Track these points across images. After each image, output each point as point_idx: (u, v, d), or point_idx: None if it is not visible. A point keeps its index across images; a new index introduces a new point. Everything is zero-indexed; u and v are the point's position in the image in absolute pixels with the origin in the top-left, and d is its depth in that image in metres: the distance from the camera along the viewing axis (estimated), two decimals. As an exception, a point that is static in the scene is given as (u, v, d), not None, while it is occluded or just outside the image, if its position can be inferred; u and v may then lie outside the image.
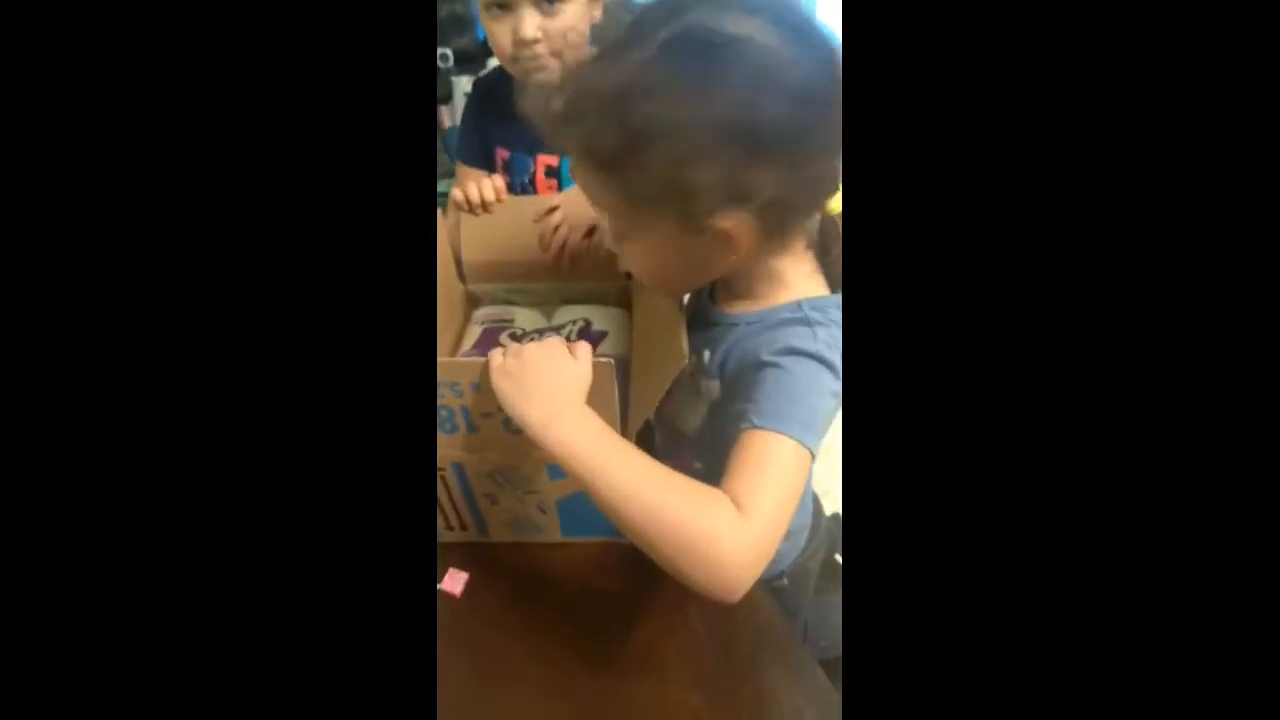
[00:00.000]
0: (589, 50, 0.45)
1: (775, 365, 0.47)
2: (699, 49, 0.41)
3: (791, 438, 0.44)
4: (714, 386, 0.56)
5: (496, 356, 0.49)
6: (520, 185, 0.88)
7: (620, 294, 0.79)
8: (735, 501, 0.42)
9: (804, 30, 0.43)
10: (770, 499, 0.43)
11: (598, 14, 0.73)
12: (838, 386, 0.47)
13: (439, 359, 0.51)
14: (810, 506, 0.70)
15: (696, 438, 0.59)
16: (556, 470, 0.56)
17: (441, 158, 2.15)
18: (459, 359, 0.66)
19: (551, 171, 0.86)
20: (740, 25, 0.41)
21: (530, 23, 0.71)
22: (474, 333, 0.77)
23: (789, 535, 0.64)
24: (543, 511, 0.61)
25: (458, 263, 0.79)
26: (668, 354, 0.53)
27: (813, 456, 0.45)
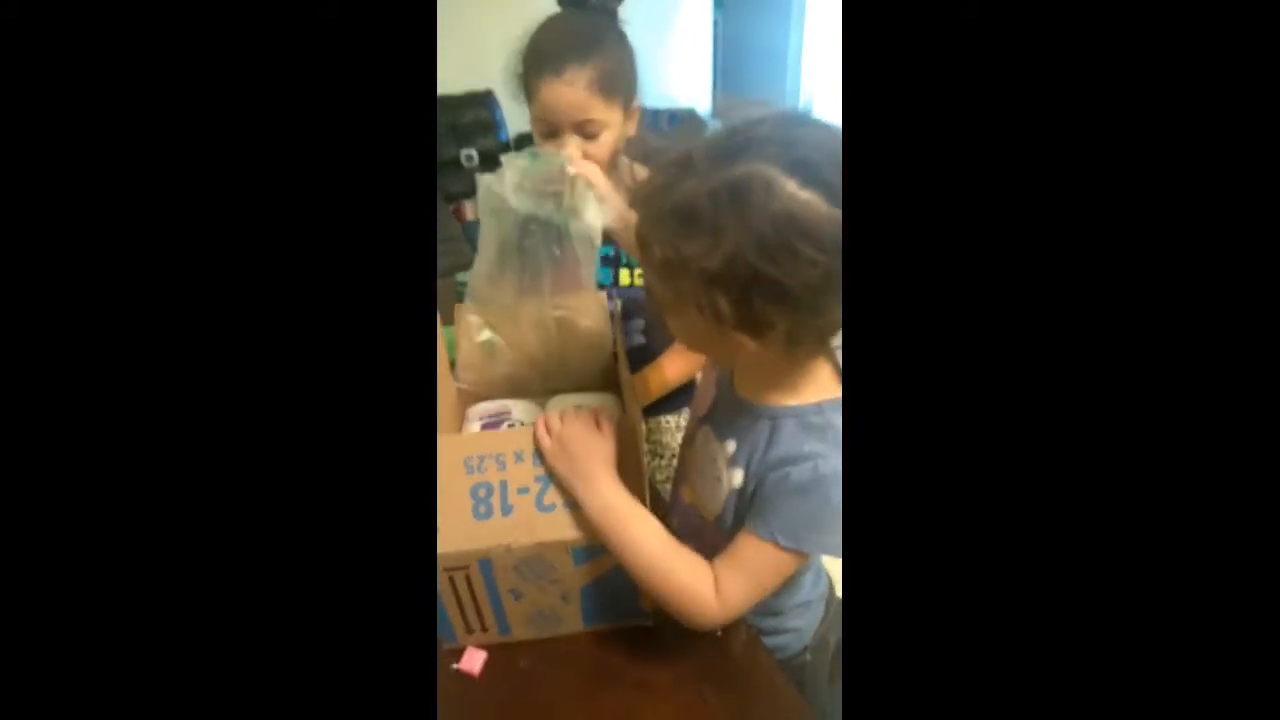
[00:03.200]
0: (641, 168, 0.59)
1: (783, 474, 0.54)
2: (754, 196, 0.45)
3: (776, 545, 0.54)
4: (737, 475, 0.59)
5: (541, 426, 0.61)
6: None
7: (605, 376, 0.84)
8: (716, 581, 0.56)
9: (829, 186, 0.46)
10: (741, 592, 0.56)
11: (631, 131, 0.87)
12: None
13: (478, 434, 0.57)
14: (825, 578, 0.74)
15: (718, 522, 0.62)
16: (581, 554, 0.60)
17: (464, 248, 2.31)
18: (504, 431, 0.69)
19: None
20: (796, 194, 0.45)
21: (573, 146, 0.83)
22: (474, 428, 0.80)
23: (808, 606, 0.70)
24: (566, 601, 0.63)
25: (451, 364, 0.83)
26: (637, 428, 0.62)
27: (802, 553, 0.55)
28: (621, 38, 0.88)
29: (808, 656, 0.71)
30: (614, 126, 0.86)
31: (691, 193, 0.46)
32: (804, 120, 0.50)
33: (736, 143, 0.47)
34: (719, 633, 0.65)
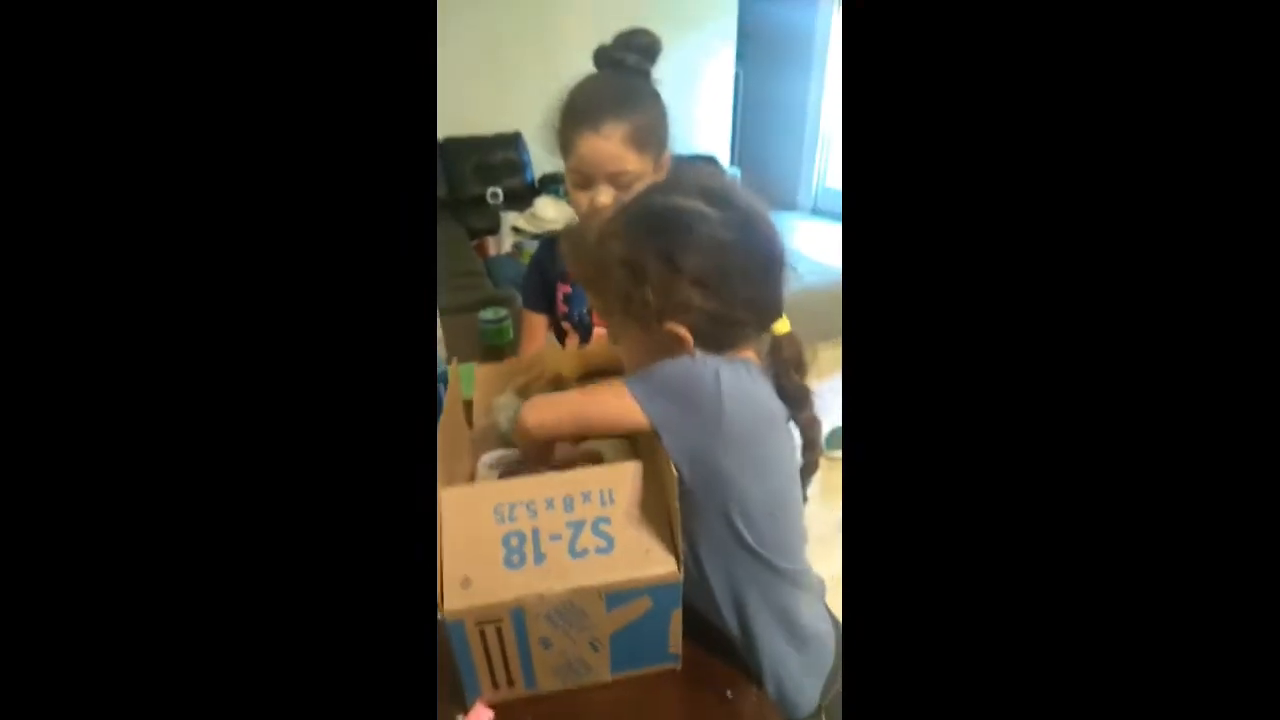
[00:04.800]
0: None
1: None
2: (655, 215, 0.62)
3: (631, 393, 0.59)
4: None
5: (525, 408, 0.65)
6: (579, 315, 1.07)
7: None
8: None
9: (730, 202, 0.61)
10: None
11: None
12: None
13: (508, 481, 0.56)
14: (830, 618, 0.73)
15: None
16: (614, 599, 0.58)
17: (485, 283, 2.37)
18: (533, 478, 0.65)
19: None
20: (684, 201, 0.61)
21: (606, 194, 0.88)
22: (490, 476, 0.79)
23: (818, 637, 0.68)
24: (595, 649, 0.61)
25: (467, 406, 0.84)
26: (667, 471, 0.60)
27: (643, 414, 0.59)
28: (655, 96, 0.93)
29: (823, 718, 0.69)
30: (646, 177, 0.89)
31: (613, 220, 0.63)
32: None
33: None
34: (729, 694, 0.64)
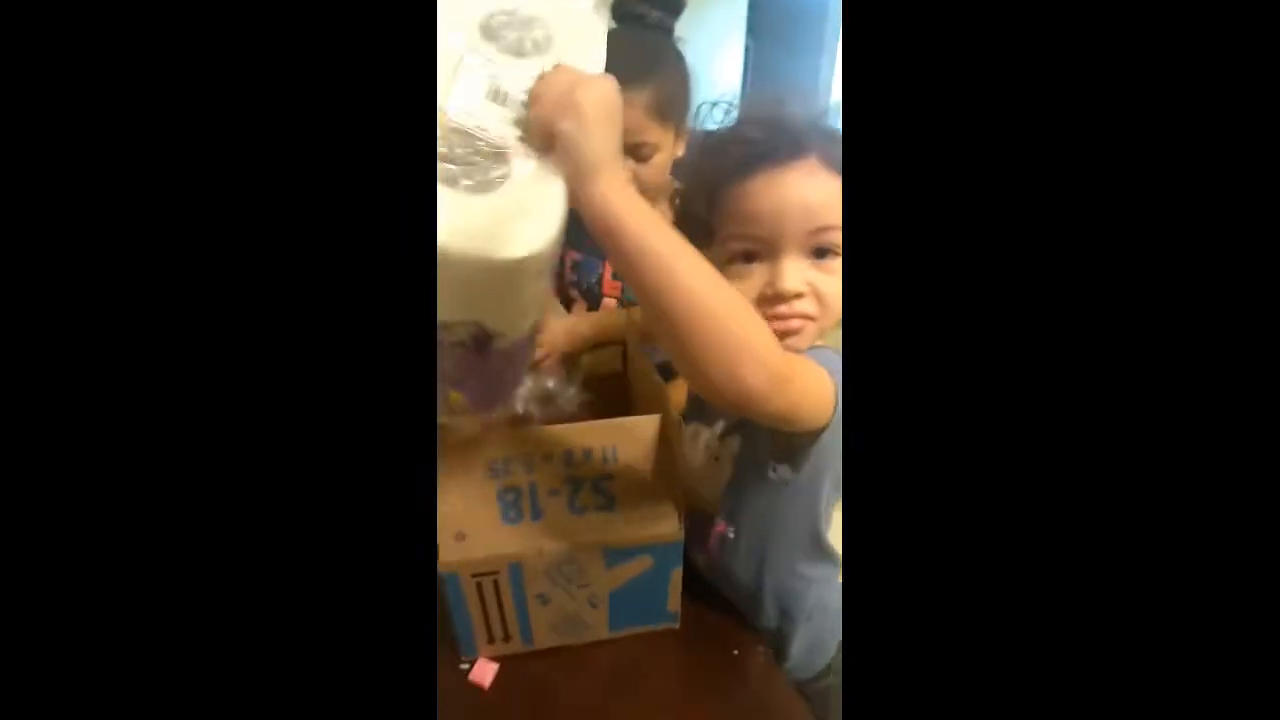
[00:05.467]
0: None
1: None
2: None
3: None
4: (735, 442, 0.61)
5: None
6: (588, 284, 0.98)
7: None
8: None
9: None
10: (805, 371, 0.48)
11: (680, 152, 0.86)
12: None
13: (502, 433, 0.55)
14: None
15: (724, 504, 0.63)
16: (614, 556, 0.58)
17: None
18: (531, 430, 0.62)
19: (618, 274, 0.94)
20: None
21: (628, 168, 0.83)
22: None
23: (828, 609, 0.67)
24: (594, 606, 0.61)
25: None
26: (674, 431, 0.59)
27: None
28: (679, 59, 0.87)
29: (831, 679, 0.69)
30: (666, 149, 0.85)
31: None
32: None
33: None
34: (735, 652, 0.64)
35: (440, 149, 0.41)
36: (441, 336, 0.44)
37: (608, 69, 0.59)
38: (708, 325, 0.41)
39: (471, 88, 0.44)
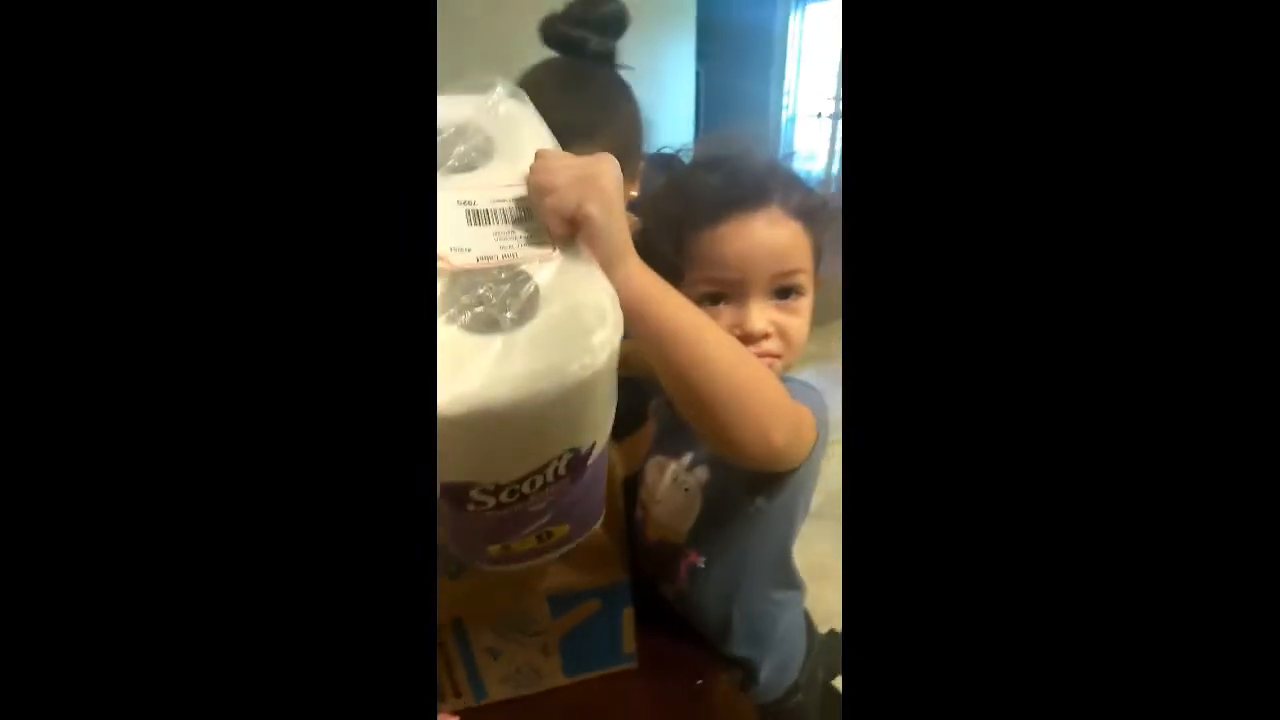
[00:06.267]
0: None
1: None
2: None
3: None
4: (702, 471, 0.60)
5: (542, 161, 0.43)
6: None
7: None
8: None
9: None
10: (803, 414, 0.49)
11: (633, 192, 0.78)
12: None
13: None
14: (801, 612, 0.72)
15: (693, 535, 0.62)
16: (559, 604, 0.57)
17: None
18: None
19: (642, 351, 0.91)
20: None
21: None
22: None
23: (795, 631, 0.67)
24: (545, 654, 0.60)
25: None
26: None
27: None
28: (626, 95, 0.80)
29: (800, 697, 0.68)
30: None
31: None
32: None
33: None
34: (699, 681, 0.63)
35: (462, 299, 0.37)
36: (525, 491, 0.40)
37: (561, 128, 0.53)
38: (741, 395, 0.43)
39: (450, 224, 0.40)
